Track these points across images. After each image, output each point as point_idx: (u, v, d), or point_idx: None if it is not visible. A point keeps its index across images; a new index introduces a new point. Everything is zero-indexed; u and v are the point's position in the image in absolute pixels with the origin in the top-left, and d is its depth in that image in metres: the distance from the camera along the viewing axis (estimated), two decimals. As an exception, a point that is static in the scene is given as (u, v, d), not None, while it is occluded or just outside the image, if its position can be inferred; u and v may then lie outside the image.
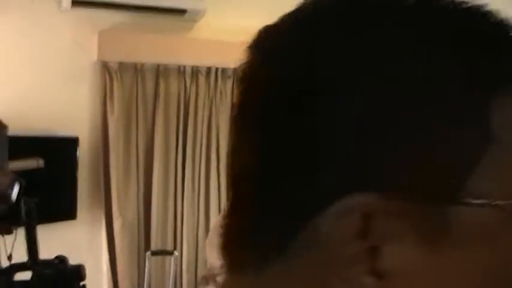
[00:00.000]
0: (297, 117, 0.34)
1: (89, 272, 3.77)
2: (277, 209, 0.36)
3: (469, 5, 0.36)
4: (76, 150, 3.68)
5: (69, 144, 3.66)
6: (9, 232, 2.06)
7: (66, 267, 2.10)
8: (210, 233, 2.26)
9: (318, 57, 0.35)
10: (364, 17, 0.35)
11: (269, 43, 0.39)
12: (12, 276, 1.96)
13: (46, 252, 3.44)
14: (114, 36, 3.79)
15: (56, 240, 3.58)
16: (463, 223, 0.33)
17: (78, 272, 2.10)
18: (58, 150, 3.59)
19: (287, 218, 0.35)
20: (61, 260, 2.19)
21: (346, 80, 0.34)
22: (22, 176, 2.86)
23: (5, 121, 2.93)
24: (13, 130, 2.88)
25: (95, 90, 3.83)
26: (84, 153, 3.79)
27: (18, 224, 2.07)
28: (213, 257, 2.12)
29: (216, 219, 2.17)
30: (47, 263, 2.12)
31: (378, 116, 0.33)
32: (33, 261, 2.08)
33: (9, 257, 2.08)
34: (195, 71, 3.94)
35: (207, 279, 2.16)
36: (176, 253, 3.86)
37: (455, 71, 0.34)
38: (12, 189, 1.69)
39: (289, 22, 0.39)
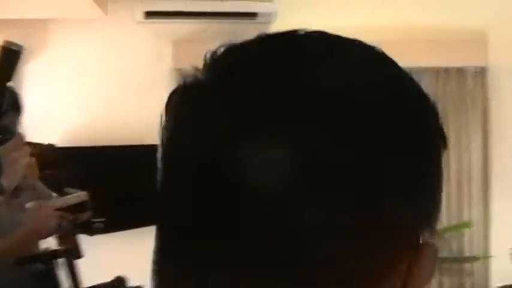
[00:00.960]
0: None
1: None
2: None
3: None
4: (155, 157, 3.98)
5: (152, 151, 3.92)
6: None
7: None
8: None
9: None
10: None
11: None
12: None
13: (140, 255, 3.92)
14: (188, 45, 3.86)
15: (147, 244, 3.94)
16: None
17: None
18: (143, 158, 3.83)
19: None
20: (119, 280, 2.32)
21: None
22: (115, 186, 3.70)
23: (94, 132, 3.63)
24: (105, 141, 3.62)
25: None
26: (163, 159, 4.01)
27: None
28: None
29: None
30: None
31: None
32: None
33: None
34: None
35: None
36: None
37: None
38: None
39: None
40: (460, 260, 2.12)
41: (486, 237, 4.14)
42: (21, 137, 1.37)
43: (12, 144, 1.29)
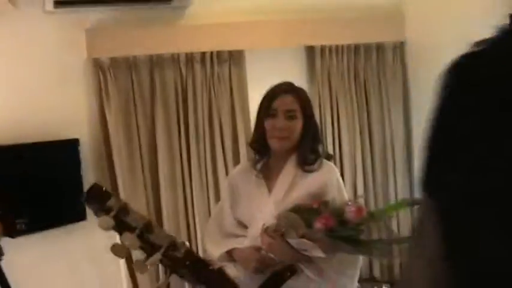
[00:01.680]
0: None
1: (106, 270, 3.92)
2: None
3: None
4: (78, 151, 3.71)
5: (70, 146, 3.70)
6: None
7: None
8: (208, 224, 2.41)
9: None
10: None
11: None
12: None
13: (63, 254, 3.80)
14: (102, 33, 3.75)
15: (70, 242, 3.76)
16: None
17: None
18: (59, 154, 3.68)
19: None
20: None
21: None
22: (26, 184, 3.54)
23: (3, 131, 3.41)
24: (11, 139, 3.42)
25: (90, 89, 3.80)
26: (86, 154, 3.78)
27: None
28: (211, 248, 2.27)
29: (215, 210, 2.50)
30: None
31: None
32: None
33: None
34: (190, 58, 3.87)
35: None
36: (187, 244, 3.57)
37: None
38: None
39: None
40: (398, 240, 2.12)
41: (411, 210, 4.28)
42: None
43: None
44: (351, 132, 4.26)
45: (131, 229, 1.31)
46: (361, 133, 4.29)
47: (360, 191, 4.23)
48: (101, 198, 1.38)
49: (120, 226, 1.34)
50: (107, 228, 1.26)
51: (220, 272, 1.43)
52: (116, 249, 1.36)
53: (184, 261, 1.36)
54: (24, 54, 3.66)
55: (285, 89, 2.23)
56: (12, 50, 3.62)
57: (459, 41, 3.21)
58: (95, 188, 1.42)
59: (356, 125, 4.27)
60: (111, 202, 1.35)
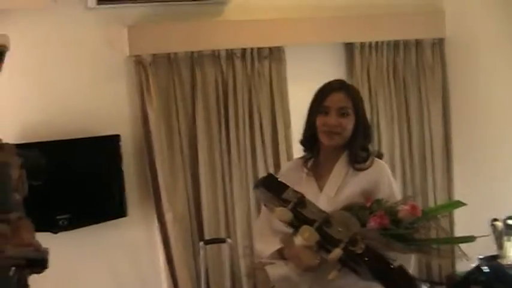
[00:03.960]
0: None
1: (146, 267, 3.96)
2: None
3: None
4: (119, 147, 3.73)
5: (112, 142, 3.72)
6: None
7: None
8: (258, 222, 2.34)
9: None
10: None
11: None
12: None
13: (103, 251, 3.84)
14: (144, 29, 3.78)
15: (110, 239, 3.78)
16: None
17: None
18: (101, 150, 3.71)
19: None
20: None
21: None
22: (68, 180, 3.59)
23: (45, 127, 3.45)
24: (55, 135, 3.47)
25: (131, 86, 3.83)
26: (127, 150, 3.81)
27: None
28: (261, 246, 2.21)
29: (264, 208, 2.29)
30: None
31: None
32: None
33: None
34: (230, 54, 3.89)
35: (255, 268, 2.45)
36: (229, 240, 3.84)
37: None
38: None
39: None
40: (454, 240, 2.10)
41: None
42: (10, 146, 1.23)
43: (2, 155, 1.15)
44: (389, 129, 4.24)
45: (309, 222, 1.29)
46: (399, 131, 4.27)
47: (399, 188, 4.18)
48: (277, 189, 1.37)
49: (298, 219, 1.32)
50: (285, 220, 1.24)
51: (401, 270, 1.40)
52: (285, 238, 1.34)
53: (363, 257, 1.34)
54: (67, 51, 3.70)
55: (337, 86, 2.22)
56: (54, 47, 3.66)
57: (498, 38, 3.20)
58: (271, 178, 1.40)
59: (395, 122, 4.24)
60: (288, 194, 1.33)
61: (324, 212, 1.26)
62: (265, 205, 1.37)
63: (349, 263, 1.34)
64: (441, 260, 3.24)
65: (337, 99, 2.18)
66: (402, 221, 1.99)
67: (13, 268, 1.53)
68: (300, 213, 1.28)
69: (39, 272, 1.66)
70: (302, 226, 1.24)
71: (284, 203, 1.30)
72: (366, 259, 1.34)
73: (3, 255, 1.55)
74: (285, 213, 1.22)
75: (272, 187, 1.37)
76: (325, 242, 1.29)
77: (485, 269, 3.30)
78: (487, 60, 4.02)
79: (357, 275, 1.32)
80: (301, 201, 1.28)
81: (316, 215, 1.29)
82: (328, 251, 1.25)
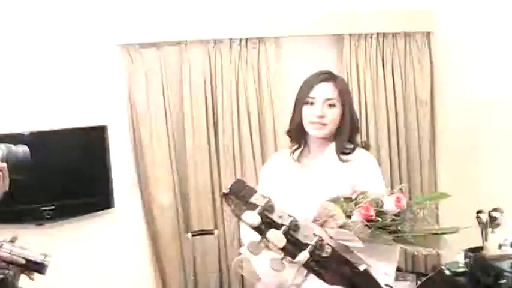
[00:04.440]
0: None
1: (133, 258, 3.94)
2: None
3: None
4: (105, 138, 3.70)
5: (98, 133, 3.68)
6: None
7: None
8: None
9: None
10: None
11: None
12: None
13: (89, 243, 3.72)
14: (132, 17, 3.72)
15: (96, 230, 3.74)
16: None
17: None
18: (87, 141, 3.68)
19: None
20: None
21: None
22: (53, 171, 3.54)
23: (31, 118, 3.42)
24: (41, 125, 3.43)
25: (119, 75, 3.78)
26: (114, 141, 3.77)
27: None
28: (245, 239, 2.23)
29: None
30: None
31: None
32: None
33: None
34: (219, 43, 3.85)
35: (241, 260, 2.26)
36: (217, 231, 3.83)
37: None
38: None
39: None
40: (438, 231, 2.11)
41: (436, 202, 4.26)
42: None
43: None
44: (377, 121, 4.23)
45: (277, 226, 1.28)
46: (388, 122, 4.26)
47: (385, 179, 4.19)
48: (245, 193, 1.35)
49: (265, 223, 1.30)
50: (253, 225, 1.23)
51: (367, 273, 1.40)
52: (253, 246, 1.32)
53: (329, 261, 1.33)
54: (52, 39, 3.65)
55: (324, 77, 2.22)
56: (40, 35, 3.61)
57: (486, 33, 3.19)
58: (239, 182, 1.39)
59: (383, 114, 4.24)
60: (256, 199, 1.32)
61: (291, 215, 1.26)
62: (232, 211, 1.37)
63: (315, 267, 1.35)
64: (426, 251, 3.24)
65: (324, 91, 2.18)
66: (388, 213, 1.99)
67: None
68: (268, 217, 1.28)
69: (31, 276, 1.63)
70: (269, 230, 1.24)
71: (252, 207, 1.30)
72: (331, 262, 1.35)
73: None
74: (253, 217, 1.22)
75: (240, 192, 1.36)
76: (292, 246, 1.30)
77: (470, 261, 3.32)
78: (476, 54, 4.03)
79: (322, 280, 1.33)
80: (269, 205, 1.28)
81: (283, 219, 1.29)
82: (294, 255, 1.25)
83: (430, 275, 3.86)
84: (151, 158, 3.78)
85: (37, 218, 3.54)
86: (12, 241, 1.57)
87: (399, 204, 2.01)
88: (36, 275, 1.59)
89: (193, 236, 3.78)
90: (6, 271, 1.54)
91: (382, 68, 4.22)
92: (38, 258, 1.57)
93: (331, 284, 1.50)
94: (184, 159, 3.88)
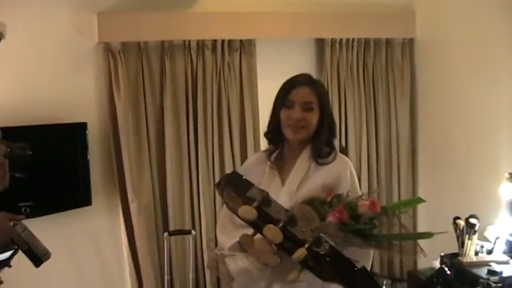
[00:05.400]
0: None
1: (109, 256, 3.91)
2: None
3: None
4: (85, 135, 3.68)
5: (78, 130, 3.67)
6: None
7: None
8: (221, 217, 2.34)
9: None
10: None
11: None
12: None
13: (66, 240, 3.82)
14: (114, 17, 3.73)
15: (74, 227, 3.73)
16: None
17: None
18: (67, 137, 3.65)
19: None
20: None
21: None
22: (32, 167, 3.45)
23: (11, 112, 3.36)
24: (20, 121, 3.38)
25: (100, 73, 3.78)
26: (94, 138, 3.77)
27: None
28: (222, 238, 2.23)
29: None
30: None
31: None
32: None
33: None
34: (201, 45, 3.86)
35: (216, 260, 2.25)
36: (194, 232, 3.82)
37: None
38: None
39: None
40: (412, 236, 2.12)
41: (414, 207, 4.30)
42: None
43: None
44: (357, 126, 4.27)
45: (273, 221, 1.26)
46: (367, 127, 4.30)
47: (364, 184, 4.24)
48: (242, 187, 1.33)
49: (262, 217, 1.29)
50: (249, 219, 1.21)
51: (364, 271, 1.39)
52: (245, 240, 1.31)
53: (326, 257, 1.32)
54: (35, 37, 3.63)
55: (303, 80, 2.22)
56: (23, 32, 3.59)
57: (468, 39, 3.22)
58: (235, 175, 1.37)
59: (363, 119, 4.28)
60: (252, 192, 1.30)
61: (288, 211, 1.25)
62: (226, 204, 1.35)
63: (311, 263, 1.34)
64: (401, 256, 3.28)
65: (302, 94, 2.18)
66: (361, 216, 2.00)
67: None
68: (265, 212, 1.26)
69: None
70: (266, 225, 1.22)
71: (248, 200, 1.28)
72: (329, 260, 1.33)
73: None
74: (249, 211, 1.20)
75: (236, 185, 1.34)
76: (289, 242, 1.28)
77: (446, 269, 3.35)
78: (455, 61, 4.08)
79: (317, 276, 1.33)
80: (266, 199, 1.26)
81: (280, 214, 1.27)
82: (291, 251, 1.24)
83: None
84: (130, 157, 3.77)
85: (14, 214, 3.49)
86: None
87: (374, 208, 2.01)
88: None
89: (170, 235, 3.78)
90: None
91: (362, 72, 4.25)
92: (40, 252, 1.58)
93: (327, 281, 1.50)
94: (163, 159, 3.87)
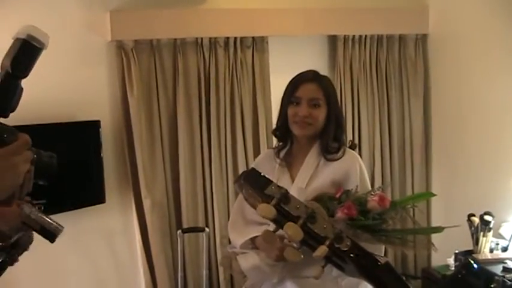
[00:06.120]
0: None
1: (123, 254, 3.93)
2: None
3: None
4: (99, 133, 3.69)
5: (91, 128, 3.68)
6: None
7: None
8: (232, 213, 2.37)
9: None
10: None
11: None
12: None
13: (80, 237, 3.83)
14: (126, 14, 3.73)
15: (88, 225, 3.75)
16: None
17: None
18: (80, 135, 3.66)
19: None
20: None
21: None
22: (45, 167, 3.44)
23: (25, 111, 3.39)
24: (34, 119, 3.31)
25: (113, 71, 3.79)
26: (107, 136, 3.79)
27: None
28: (233, 236, 2.26)
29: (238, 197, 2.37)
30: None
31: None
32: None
33: None
34: (213, 43, 3.86)
35: (229, 258, 2.29)
36: (207, 229, 3.83)
37: None
38: None
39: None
40: (422, 231, 2.11)
41: (428, 203, 4.27)
42: (25, 139, 1.20)
43: (15, 146, 1.12)
44: (370, 122, 4.25)
45: (293, 219, 1.27)
46: (380, 123, 4.28)
47: (377, 181, 4.22)
48: (260, 184, 1.34)
49: (281, 215, 1.29)
50: (268, 217, 1.21)
51: (388, 266, 1.39)
52: (267, 237, 1.31)
53: (349, 254, 1.31)
54: (48, 35, 3.65)
55: (309, 77, 2.22)
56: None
57: (481, 35, 3.19)
58: (253, 172, 1.37)
59: (376, 115, 4.26)
60: (271, 189, 1.30)
61: (308, 207, 1.25)
62: (246, 200, 1.35)
63: (334, 259, 1.33)
64: (414, 251, 3.26)
65: (308, 90, 2.18)
66: (370, 212, 2.00)
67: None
68: (284, 210, 1.26)
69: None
70: (286, 223, 1.22)
71: (267, 198, 1.28)
72: (352, 256, 1.33)
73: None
74: (269, 209, 1.20)
75: (254, 182, 1.33)
76: (310, 239, 1.28)
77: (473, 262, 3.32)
78: (469, 57, 4.04)
79: (341, 271, 1.33)
80: (285, 196, 1.25)
81: (300, 210, 1.27)
82: (313, 248, 1.24)
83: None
84: (144, 154, 3.78)
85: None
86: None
87: (382, 204, 2.01)
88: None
89: (183, 233, 3.79)
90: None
91: (375, 69, 4.23)
92: (52, 228, 1.58)
93: (351, 276, 1.50)
94: (176, 156, 3.88)
